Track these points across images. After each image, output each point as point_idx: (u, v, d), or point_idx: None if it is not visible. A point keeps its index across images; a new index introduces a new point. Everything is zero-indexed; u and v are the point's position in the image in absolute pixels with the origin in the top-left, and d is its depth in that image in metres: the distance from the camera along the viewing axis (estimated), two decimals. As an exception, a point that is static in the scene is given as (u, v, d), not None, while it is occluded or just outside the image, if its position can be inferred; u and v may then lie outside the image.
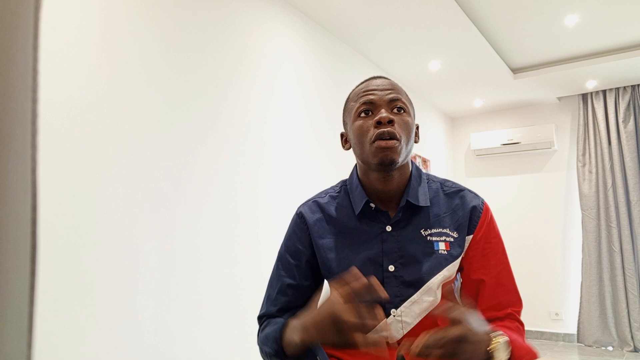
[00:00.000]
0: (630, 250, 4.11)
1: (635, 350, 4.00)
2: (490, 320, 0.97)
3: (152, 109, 1.90)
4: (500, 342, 0.82)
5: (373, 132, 0.97)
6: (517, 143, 4.69)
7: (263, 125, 2.48)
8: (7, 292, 0.23)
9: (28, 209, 0.24)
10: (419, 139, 1.07)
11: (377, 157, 0.96)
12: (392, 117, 0.97)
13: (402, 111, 1.00)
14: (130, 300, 1.73)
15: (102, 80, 1.72)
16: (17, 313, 0.23)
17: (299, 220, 1.10)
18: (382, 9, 2.83)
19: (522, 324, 1.00)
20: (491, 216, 1.06)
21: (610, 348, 4.13)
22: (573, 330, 4.45)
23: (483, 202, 1.06)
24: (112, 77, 1.75)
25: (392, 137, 0.95)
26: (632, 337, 4.04)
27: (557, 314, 4.54)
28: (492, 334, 0.83)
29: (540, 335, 4.58)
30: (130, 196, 1.77)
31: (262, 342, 1.00)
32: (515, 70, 4.11)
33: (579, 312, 4.32)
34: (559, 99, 4.71)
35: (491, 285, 1.00)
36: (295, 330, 0.88)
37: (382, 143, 0.95)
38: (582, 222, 4.37)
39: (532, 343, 1.00)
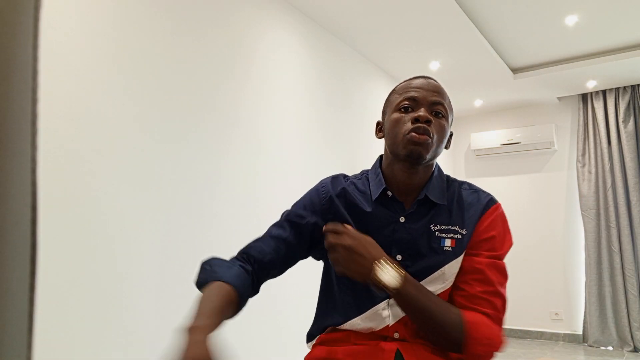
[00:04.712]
0: (630, 250, 4.11)
1: (635, 350, 4.00)
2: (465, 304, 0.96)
3: (153, 109, 1.90)
4: (383, 265, 0.89)
5: (409, 126, 1.00)
6: (517, 143, 4.69)
7: (263, 124, 2.48)
8: (7, 292, 0.23)
9: (28, 209, 0.24)
10: (450, 145, 1.10)
11: (407, 149, 0.99)
12: (430, 117, 1.00)
13: (441, 116, 1.03)
14: (131, 300, 1.73)
15: (103, 80, 1.72)
16: (17, 313, 0.23)
17: (322, 189, 1.12)
18: (382, 9, 2.83)
19: (499, 318, 0.97)
20: (500, 214, 1.05)
21: (610, 348, 4.13)
22: (573, 330, 4.45)
23: (494, 201, 1.07)
24: (112, 77, 1.75)
25: (425, 132, 0.99)
26: (632, 337, 4.03)
27: (557, 314, 4.54)
28: (381, 259, 0.91)
29: (540, 335, 4.58)
30: (130, 196, 1.77)
31: (201, 269, 0.97)
32: (515, 70, 4.11)
33: (584, 312, 4.30)
34: (559, 99, 4.71)
35: (474, 275, 0.99)
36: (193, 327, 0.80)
37: (415, 137, 0.98)
38: (582, 222, 4.38)
39: (502, 332, 0.97)
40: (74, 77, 1.62)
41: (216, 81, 2.22)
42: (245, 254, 1.06)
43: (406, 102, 1.03)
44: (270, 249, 1.05)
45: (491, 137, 4.83)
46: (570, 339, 4.44)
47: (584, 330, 4.32)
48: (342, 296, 1.06)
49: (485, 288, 0.97)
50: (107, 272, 1.66)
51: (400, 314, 0.99)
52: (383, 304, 1.01)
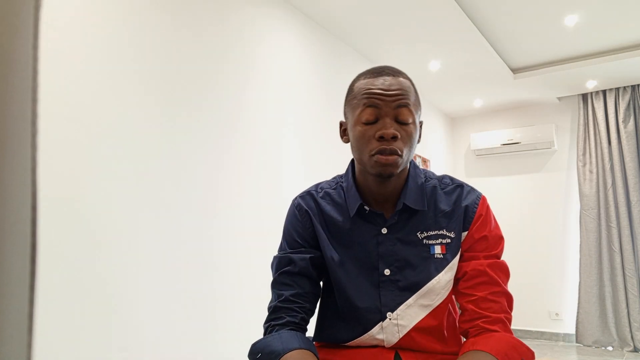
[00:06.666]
0: (630, 250, 4.11)
1: (635, 350, 4.00)
2: (477, 318, 0.94)
3: (152, 109, 1.90)
4: None
5: (375, 145, 0.92)
6: (517, 143, 4.69)
7: (264, 124, 2.48)
8: (7, 293, 0.23)
9: (28, 209, 0.24)
10: (420, 138, 1.02)
11: (375, 170, 0.93)
12: (396, 133, 0.91)
13: (409, 122, 0.94)
14: (131, 300, 1.73)
15: (103, 80, 1.72)
16: (17, 313, 0.23)
17: (299, 213, 1.05)
18: (382, 9, 2.83)
19: (509, 319, 0.96)
20: (487, 210, 1.02)
21: (610, 348, 4.13)
22: (573, 330, 4.45)
23: (479, 197, 1.02)
24: (112, 78, 1.75)
25: (393, 152, 0.91)
26: (632, 337, 4.04)
27: (557, 314, 4.54)
28: None
29: (540, 335, 4.58)
30: (130, 196, 1.77)
31: (254, 354, 0.94)
32: (515, 70, 4.11)
33: (577, 312, 4.32)
34: (559, 99, 4.71)
35: (478, 279, 0.97)
36: None
37: (382, 159, 0.91)
38: (583, 222, 4.37)
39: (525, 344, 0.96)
40: (74, 77, 1.62)
41: (217, 80, 2.22)
42: (274, 320, 0.98)
43: (368, 114, 0.93)
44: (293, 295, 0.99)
45: (491, 137, 4.83)
46: (571, 339, 4.45)
47: (577, 330, 4.32)
48: (339, 318, 1.03)
49: (492, 289, 0.95)
50: (108, 272, 1.66)
51: (394, 340, 0.97)
52: (377, 328, 0.98)
